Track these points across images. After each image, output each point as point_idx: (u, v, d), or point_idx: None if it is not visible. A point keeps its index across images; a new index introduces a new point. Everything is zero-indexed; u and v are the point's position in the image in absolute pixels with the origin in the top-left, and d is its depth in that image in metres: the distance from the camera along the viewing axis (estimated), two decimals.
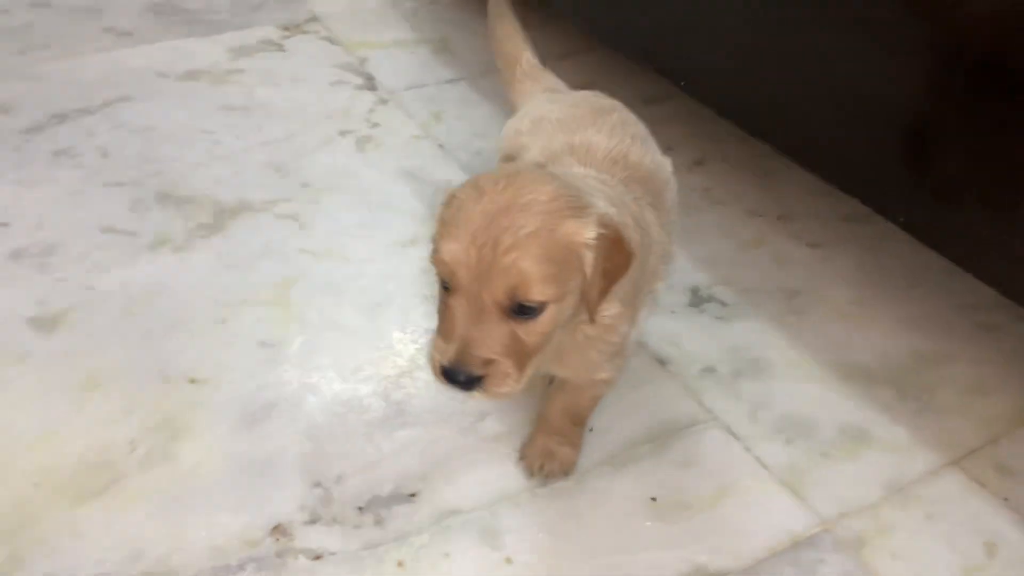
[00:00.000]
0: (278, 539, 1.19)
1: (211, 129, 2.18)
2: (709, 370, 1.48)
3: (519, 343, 0.96)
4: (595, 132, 1.23)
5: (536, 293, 0.94)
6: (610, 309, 1.06)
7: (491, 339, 0.95)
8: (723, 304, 1.63)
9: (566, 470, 1.27)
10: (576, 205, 0.96)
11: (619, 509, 1.25)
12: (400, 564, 1.16)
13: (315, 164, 2.04)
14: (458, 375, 0.96)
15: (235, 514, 1.22)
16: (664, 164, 1.31)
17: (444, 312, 0.98)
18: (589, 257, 0.96)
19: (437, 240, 0.98)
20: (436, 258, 0.97)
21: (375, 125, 2.23)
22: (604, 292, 0.99)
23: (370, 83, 2.45)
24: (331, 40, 2.64)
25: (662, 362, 1.50)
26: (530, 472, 1.27)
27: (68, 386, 1.41)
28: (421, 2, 2.85)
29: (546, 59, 1.75)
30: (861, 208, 1.86)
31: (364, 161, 2.07)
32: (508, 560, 1.17)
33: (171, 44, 2.56)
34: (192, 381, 1.43)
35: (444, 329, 0.98)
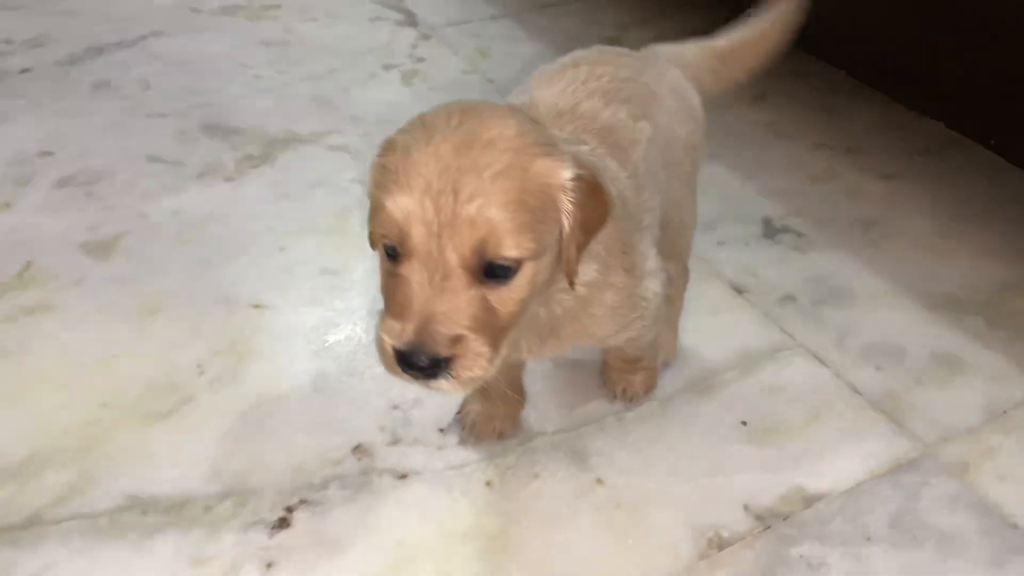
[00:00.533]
0: (360, 459, 1.14)
1: (251, 63, 2.11)
2: (789, 298, 1.43)
3: (491, 314, 0.79)
4: (547, 87, 1.06)
5: (509, 248, 0.77)
6: (586, 273, 0.91)
7: (457, 310, 0.77)
8: (798, 235, 1.57)
9: (647, 389, 1.24)
10: (546, 142, 0.82)
11: (708, 433, 1.20)
12: (489, 484, 1.11)
13: (362, 98, 1.98)
14: (419, 359, 0.77)
15: (313, 435, 1.17)
16: (634, 127, 1.06)
17: (392, 287, 0.80)
18: (566, 203, 0.81)
19: (377, 197, 0.79)
20: (381, 218, 0.78)
21: (420, 60, 2.16)
22: (581, 249, 0.84)
23: (411, 19, 2.37)
24: None
25: (739, 290, 1.44)
26: (613, 395, 1.24)
27: (128, 311, 1.36)
28: None
29: None
30: (932, 141, 1.81)
31: (412, 95, 2.00)
32: (599, 481, 1.12)
33: None
34: (256, 307, 1.38)
35: (395, 307, 0.78)
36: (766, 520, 1.08)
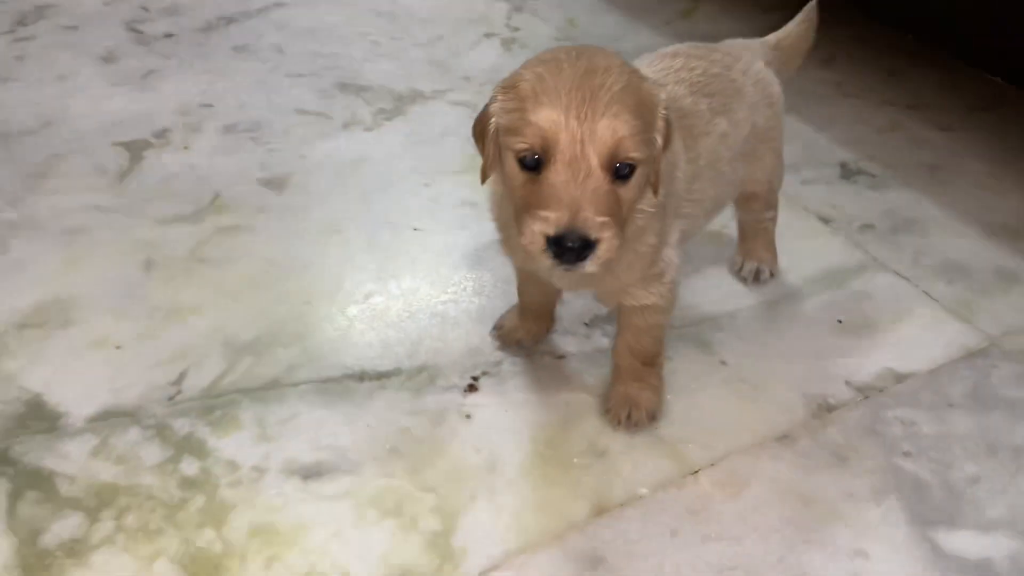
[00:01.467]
0: (521, 344, 1.39)
1: (367, 31, 2.35)
2: (868, 227, 1.66)
3: (619, 208, 0.95)
4: (644, 68, 1.17)
5: (633, 150, 0.94)
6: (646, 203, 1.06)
7: (601, 202, 0.92)
8: (872, 176, 1.80)
9: (652, 415, 1.24)
10: (642, 74, 1.02)
11: (810, 327, 1.44)
12: None
13: (471, 61, 2.22)
14: (573, 241, 0.91)
15: (481, 326, 1.42)
16: (710, 120, 1.21)
17: (534, 192, 0.94)
18: (660, 123, 1.00)
19: (515, 118, 0.96)
20: (526, 131, 0.94)
21: (516, 29, 2.39)
22: (657, 175, 1.02)
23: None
24: None
25: (825, 220, 1.68)
26: (616, 423, 1.24)
27: (310, 232, 1.61)
28: None
29: None
30: (985, 98, 2.04)
31: (513, 60, 2.23)
32: (723, 363, 1.37)
33: None
34: (416, 229, 1.63)
35: (540, 206, 0.93)
36: (864, 391, 1.32)
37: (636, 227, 1.07)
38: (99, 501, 1.13)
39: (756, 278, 1.51)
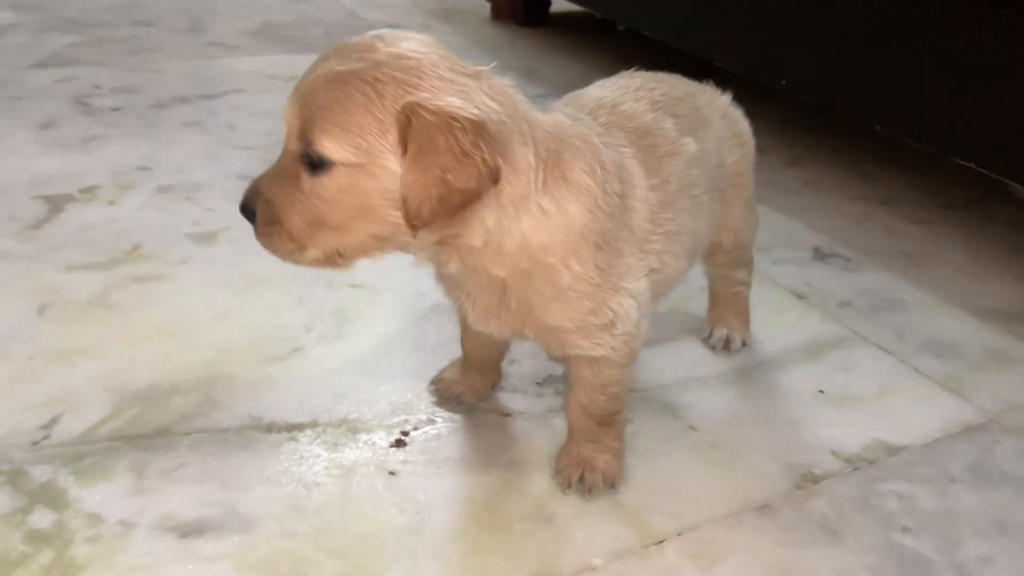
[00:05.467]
0: (462, 404, 1.21)
1: None
2: (846, 304, 1.54)
3: (306, 199, 0.83)
4: (598, 88, 1.11)
5: (321, 142, 0.80)
6: (515, 236, 0.88)
7: (274, 183, 0.85)
8: (846, 259, 1.70)
9: (611, 481, 1.06)
10: (416, 75, 0.81)
11: (789, 397, 1.27)
12: None
13: None
14: (242, 204, 0.87)
15: (418, 381, 1.24)
16: (678, 139, 1.07)
17: None
18: (393, 133, 0.79)
19: None
20: None
21: None
22: (436, 206, 0.80)
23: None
24: None
25: (800, 296, 1.55)
26: (566, 485, 1.05)
27: (236, 282, 1.45)
28: (502, 41, 3.04)
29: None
30: (960, 197, 1.99)
31: None
32: (691, 427, 1.19)
33: (274, 58, 2.72)
34: (354, 287, 1.47)
35: None
36: (854, 463, 1.14)
37: (542, 263, 0.90)
38: None
39: (726, 346, 1.37)
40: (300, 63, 2.78)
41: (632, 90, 1.10)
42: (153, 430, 1.11)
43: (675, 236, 1.04)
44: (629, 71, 1.16)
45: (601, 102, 1.06)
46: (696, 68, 2.42)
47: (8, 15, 2.88)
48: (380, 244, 0.87)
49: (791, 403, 1.26)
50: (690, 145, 1.08)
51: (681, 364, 1.32)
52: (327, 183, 0.82)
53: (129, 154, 1.92)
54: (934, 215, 1.91)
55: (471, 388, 1.20)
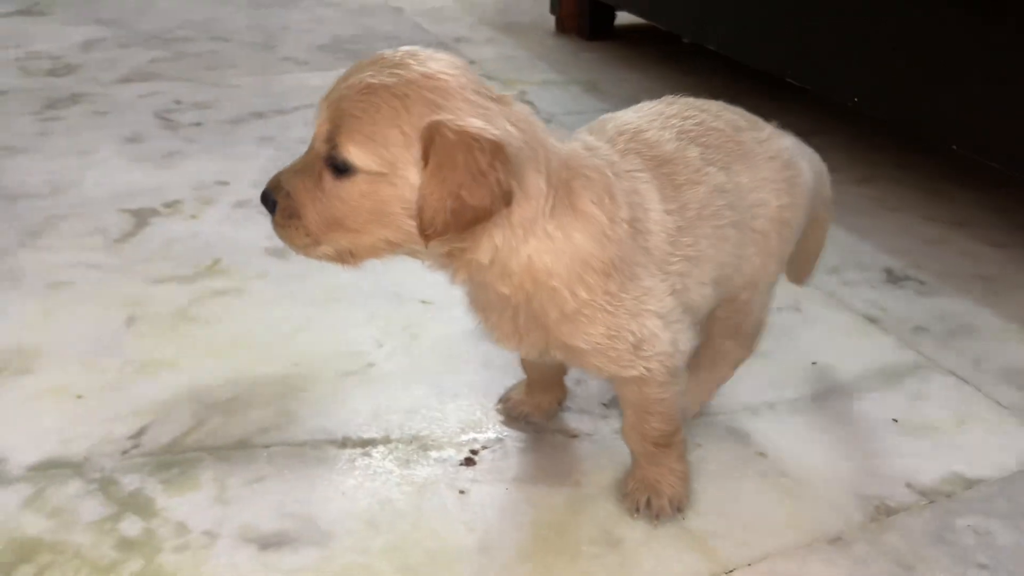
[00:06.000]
0: (530, 423, 1.22)
1: None
2: (920, 329, 1.51)
3: (326, 199, 0.87)
4: (632, 112, 1.10)
5: (348, 148, 0.84)
6: (512, 254, 0.91)
7: (297, 177, 0.89)
8: (920, 283, 1.67)
9: (678, 506, 1.07)
10: (444, 96, 0.85)
11: (862, 426, 1.26)
12: None
13: None
14: (264, 195, 0.91)
15: (486, 399, 1.26)
16: (700, 168, 1.05)
17: None
18: (416, 148, 0.84)
19: None
20: None
21: None
22: (449, 219, 0.84)
23: (533, 109, 2.61)
24: (488, 77, 2.82)
25: (872, 320, 1.53)
26: (634, 510, 1.06)
27: (310, 298, 1.49)
28: (566, 54, 3.05)
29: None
30: None
31: None
32: (761, 454, 1.18)
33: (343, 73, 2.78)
34: (423, 303, 1.50)
35: None
36: (929, 496, 1.12)
37: (546, 286, 0.93)
38: (17, 556, 0.96)
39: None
40: None
41: (664, 117, 1.09)
42: (234, 442, 1.15)
43: (696, 261, 1.03)
44: (671, 96, 1.14)
45: (624, 128, 1.06)
46: (766, 84, 2.39)
47: (94, 29, 3.00)
48: (391, 248, 0.92)
49: (864, 432, 1.24)
50: (715, 176, 1.05)
51: (750, 389, 1.31)
52: (349, 187, 0.86)
53: (208, 168, 1.99)
54: (1013, 238, 1.86)
55: (537, 407, 1.22)
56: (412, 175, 0.85)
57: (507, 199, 0.86)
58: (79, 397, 1.22)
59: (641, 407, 1.04)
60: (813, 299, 1.55)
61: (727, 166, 1.07)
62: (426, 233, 0.85)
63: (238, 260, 1.60)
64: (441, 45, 3.02)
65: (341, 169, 0.86)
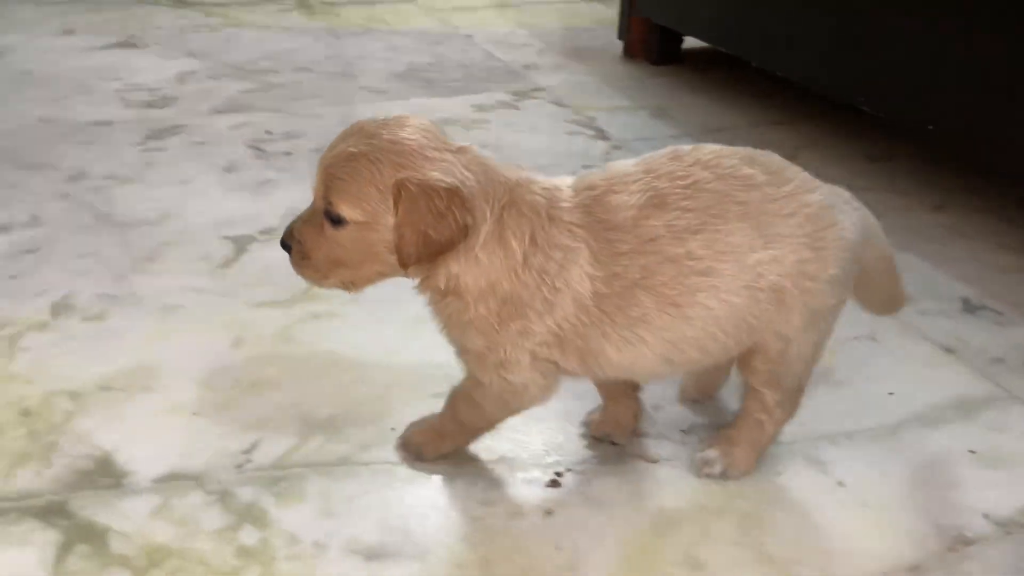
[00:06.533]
0: (613, 444, 1.28)
1: None
2: (998, 360, 1.52)
3: (328, 244, 1.09)
4: (632, 163, 1.15)
5: (339, 205, 1.06)
6: (449, 303, 1.12)
7: (305, 227, 1.11)
8: (998, 313, 1.67)
9: (416, 452, 1.24)
10: (407, 157, 1.04)
11: (939, 457, 1.28)
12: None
13: None
14: (282, 242, 1.14)
15: (569, 423, 1.32)
16: (663, 236, 1.09)
17: None
18: (389, 200, 1.04)
19: None
20: None
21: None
22: (421, 251, 1.04)
23: (602, 134, 2.68)
24: (558, 103, 2.90)
25: (949, 350, 1.54)
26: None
27: (399, 322, 1.58)
28: (634, 80, 3.11)
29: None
30: None
31: None
32: (840, 483, 1.22)
33: (419, 101, 2.89)
34: None
35: None
36: (1007, 527, 1.14)
37: (461, 298, 1.11)
38: (149, 561, 1.06)
39: (704, 467, 1.23)
40: (442, 106, 2.96)
41: (653, 175, 1.11)
42: (336, 459, 1.24)
43: (640, 321, 1.09)
44: (688, 147, 1.14)
45: (598, 183, 1.12)
46: (837, 107, 2.41)
47: (186, 62, 3.18)
48: (383, 277, 1.14)
49: (941, 463, 1.27)
50: (674, 247, 1.08)
51: (828, 418, 1.35)
52: (343, 234, 1.08)
53: (299, 198, 2.10)
54: None
55: (617, 425, 1.29)
56: (389, 221, 1.06)
57: (465, 232, 1.05)
58: (195, 414, 1.32)
59: (467, 395, 1.19)
60: (889, 329, 1.57)
61: (706, 229, 1.08)
62: (404, 264, 1.07)
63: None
64: (511, 73, 3.13)
65: (336, 220, 1.07)
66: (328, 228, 1.08)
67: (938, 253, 1.90)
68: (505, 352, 1.12)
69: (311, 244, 1.11)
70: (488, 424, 1.21)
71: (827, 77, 2.30)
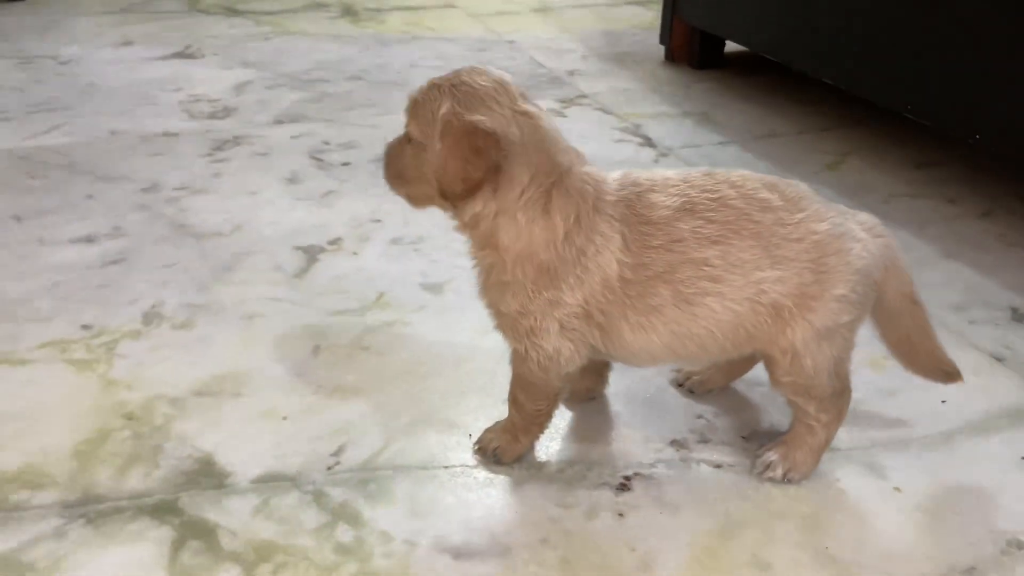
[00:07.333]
0: (678, 450, 1.36)
1: None
2: None
3: (401, 158, 1.27)
4: (672, 172, 1.25)
5: (409, 123, 1.23)
6: (483, 223, 1.21)
7: (395, 141, 1.29)
8: None
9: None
10: (469, 97, 1.17)
11: (992, 464, 1.34)
12: (792, 480, 1.29)
13: None
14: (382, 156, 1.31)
15: (636, 430, 1.40)
16: (686, 240, 1.19)
17: None
18: (438, 127, 1.16)
19: None
20: None
21: None
22: (455, 182, 1.15)
23: (649, 142, 2.74)
24: (604, 111, 2.96)
25: (998, 359, 1.59)
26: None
27: (465, 330, 1.66)
28: (677, 85, 3.16)
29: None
30: None
31: None
32: (897, 489, 1.28)
33: None
34: None
35: None
36: None
37: (500, 258, 1.21)
38: (257, 556, 1.15)
39: (765, 471, 1.30)
40: None
41: (687, 184, 1.21)
42: (418, 462, 1.32)
43: (645, 312, 1.21)
44: (723, 172, 1.24)
45: (644, 182, 1.24)
46: (883, 113, 2.45)
47: (243, 72, 3.29)
48: (429, 200, 1.27)
49: (994, 469, 1.33)
50: (698, 251, 1.18)
51: (884, 426, 1.41)
52: (408, 151, 1.25)
53: (362, 207, 2.20)
54: None
55: (575, 393, 1.42)
56: (436, 147, 1.17)
57: (496, 171, 1.15)
58: (284, 418, 1.42)
59: (515, 375, 1.30)
60: (940, 337, 1.62)
61: (724, 242, 1.18)
62: (442, 193, 1.19)
63: (399, 294, 1.79)
64: (556, 80, 3.19)
65: (410, 139, 1.24)
66: (407, 146, 1.25)
67: (986, 261, 1.94)
68: (535, 320, 1.22)
69: (392, 159, 1.30)
70: (543, 397, 1.28)
71: (871, 84, 2.33)
